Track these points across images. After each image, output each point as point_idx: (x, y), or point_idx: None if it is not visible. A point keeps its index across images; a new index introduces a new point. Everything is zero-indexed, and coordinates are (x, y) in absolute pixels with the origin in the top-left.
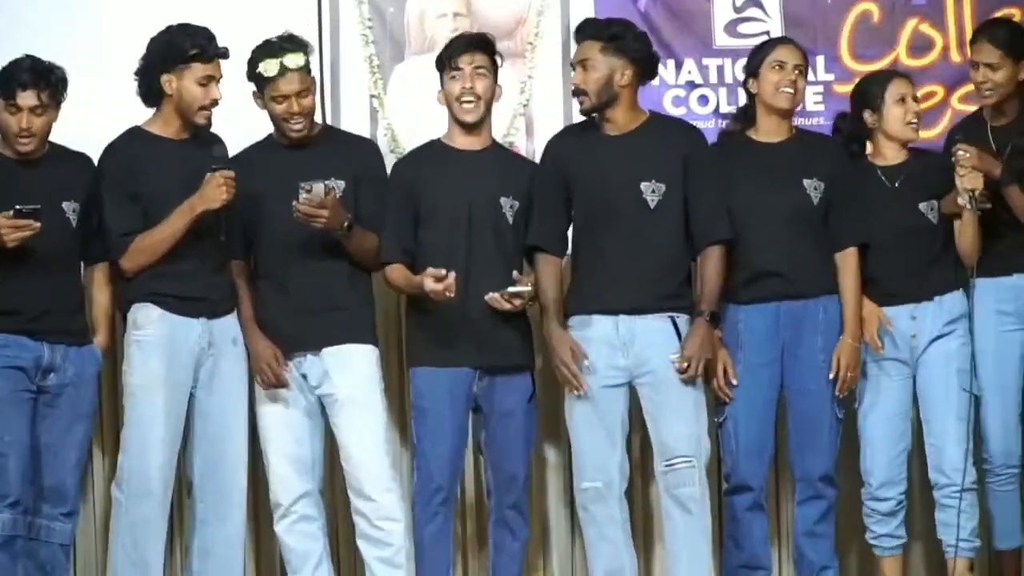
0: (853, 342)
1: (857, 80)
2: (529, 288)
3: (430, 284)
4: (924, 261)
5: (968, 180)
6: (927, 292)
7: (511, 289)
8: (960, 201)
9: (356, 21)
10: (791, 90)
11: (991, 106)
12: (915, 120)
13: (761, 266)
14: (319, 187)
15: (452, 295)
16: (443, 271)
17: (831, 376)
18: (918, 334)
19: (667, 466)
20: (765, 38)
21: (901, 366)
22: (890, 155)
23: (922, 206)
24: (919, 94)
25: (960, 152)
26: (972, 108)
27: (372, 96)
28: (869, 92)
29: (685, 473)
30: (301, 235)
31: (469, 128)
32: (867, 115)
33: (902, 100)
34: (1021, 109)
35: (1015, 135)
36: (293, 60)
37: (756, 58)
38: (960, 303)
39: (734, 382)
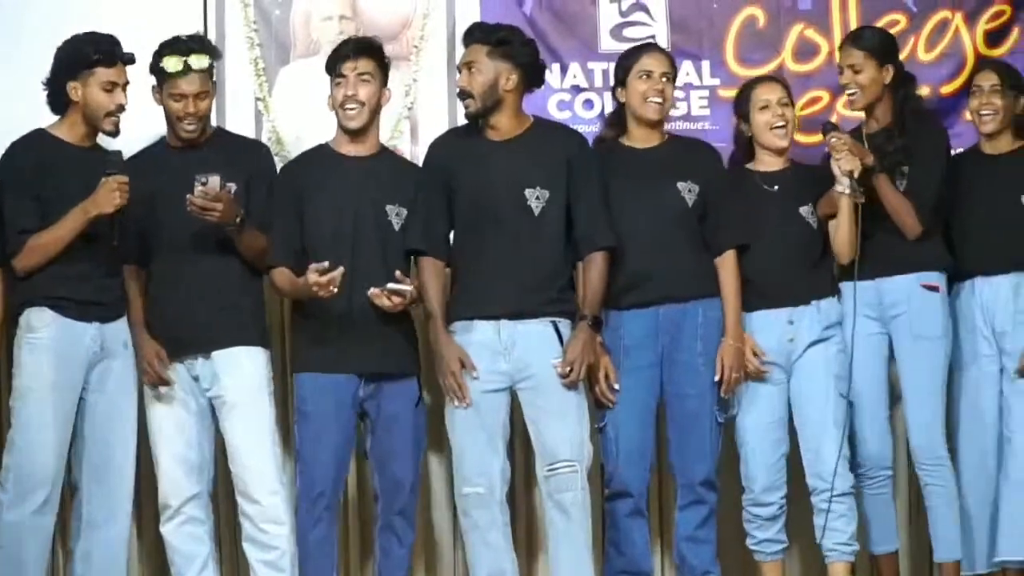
0: (736, 344)
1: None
2: (411, 288)
3: (314, 277)
4: (803, 265)
5: (845, 162)
6: (805, 297)
7: (391, 285)
8: (838, 188)
9: (241, 24)
10: (659, 100)
11: (860, 109)
12: (781, 124)
13: (639, 271)
14: (215, 180)
15: (336, 290)
16: (326, 264)
17: (715, 378)
18: (795, 338)
19: (549, 471)
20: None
21: (778, 371)
22: (768, 162)
23: (802, 210)
24: (805, 99)
25: (834, 139)
26: (858, 114)
27: (257, 99)
28: (739, 100)
29: (567, 478)
30: (193, 236)
31: (355, 134)
32: (742, 124)
33: (765, 107)
34: (893, 113)
35: (883, 143)
36: (198, 61)
37: (623, 67)
38: (837, 309)
39: (616, 387)
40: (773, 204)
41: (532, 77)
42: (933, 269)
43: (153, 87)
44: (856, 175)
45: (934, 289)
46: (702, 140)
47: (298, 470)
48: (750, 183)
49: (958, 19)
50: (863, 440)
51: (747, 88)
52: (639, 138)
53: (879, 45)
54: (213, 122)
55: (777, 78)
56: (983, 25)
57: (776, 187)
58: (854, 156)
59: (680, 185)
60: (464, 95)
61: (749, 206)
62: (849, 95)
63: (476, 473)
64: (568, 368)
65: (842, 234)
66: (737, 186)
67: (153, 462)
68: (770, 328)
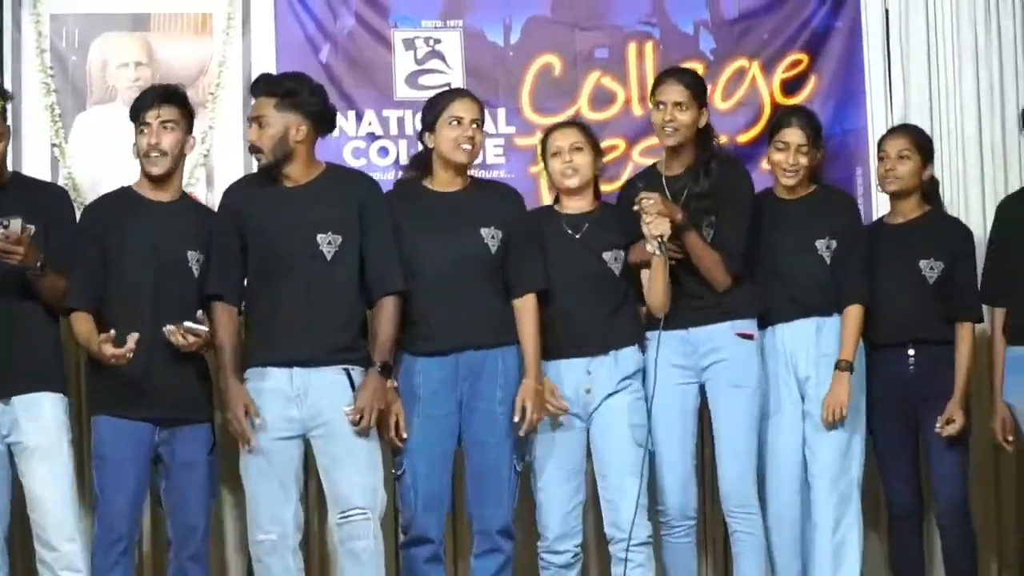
0: (535, 384)
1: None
2: (207, 329)
3: (108, 349)
4: (603, 313)
5: (655, 226)
6: (604, 346)
7: (187, 324)
8: (648, 248)
9: (37, 69)
10: (469, 146)
11: (671, 149)
12: (570, 171)
13: (438, 317)
14: (16, 223)
15: (131, 356)
16: (113, 334)
17: (515, 419)
18: (593, 388)
19: (342, 518)
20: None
21: (575, 420)
22: (574, 204)
23: (606, 255)
24: (602, 147)
25: (644, 199)
26: (653, 161)
27: (53, 144)
28: (541, 146)
29: (360, 525)
30: None
31: (157, 180)
32: (543, 167)
33: (556, 153)
34: (695, 157)
35: (689, 182)
36: None
37: (433, 112)
38: (637, 358)
39: (404, 435)
40: (576, 249)
41: (323, 124)
42: (746, 316)
43: None
44: (666, 237)
45: (748, 337)
46: (505, 184)
47: (97, 515)
48: (554, 225)
49: (755, 68)
50: (667, 490)
51: (545, 134)
52: (443, 182)
53: (701, 86)
54: (9, 167)
55: (576, 122)
56: (780, 74)
57: (579, 233)
58: (664, 218)
59: (483, 231)
60: (254, 149)
61: (550, 250)
62: (668, 131)
63: (269, 520)
64: (358, 415)
65: (655, 290)
66: (540, 229)
67: None
68: (568, 377)
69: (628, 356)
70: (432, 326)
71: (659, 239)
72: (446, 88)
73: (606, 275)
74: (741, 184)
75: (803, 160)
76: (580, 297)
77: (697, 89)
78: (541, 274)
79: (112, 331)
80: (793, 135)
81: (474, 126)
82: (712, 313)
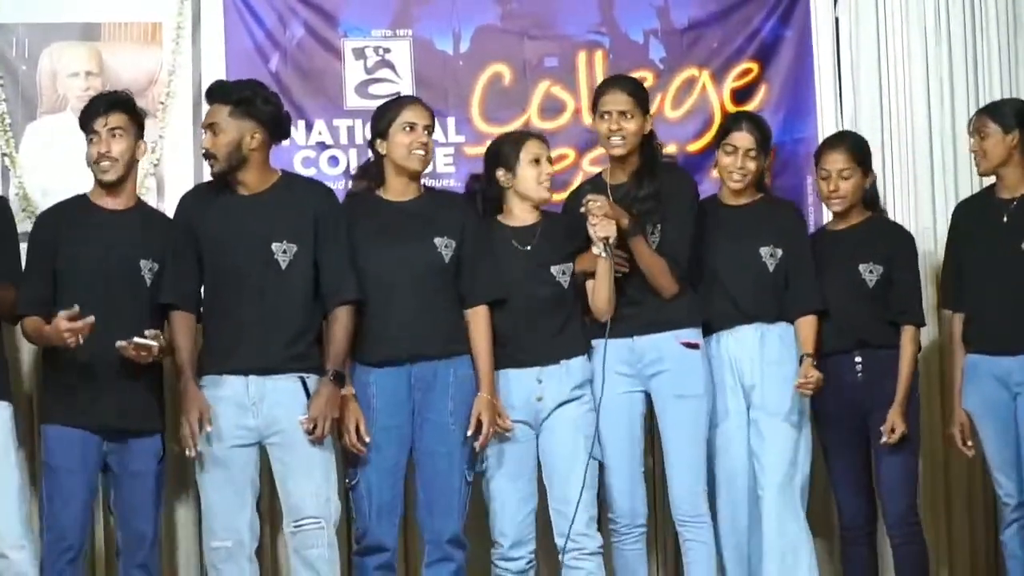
0: (490, 397)
1: (490, 141)
2: (156, 343)
3: (64, 324)
4: (554, 325)
5: (601, 228)
6: (554, 356)
7: (137, 340)
8: (595, 251)
9: None
10: (423, 152)
11: (616, 158)
12: (547, 181)
13: (392, 327)
14: None
15: (83, 335)
16: (76, 309)
17: (469, 433)
18: (544, 397)
19: (296, 527)
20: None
21: (526, 428)
22: (521, 215)
23: (554, 269)
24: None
25: (590, 202)
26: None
27: (3, 154)
28: (503, 151)
29: (314, 534)
30: None
31: (109, 188)
32: (500, 174)
33: (536, 161)
34: (640, 164)
35: (633, 185)
36: None
37: (384, 118)
38: (586, 368)
39: (367, 439)
40: (525, 262)
41: (277, 131)
42: (690, 325)
43: None
44: (612, 241)
45: (693, 347)
46: (458, 193)
47: (45, 523)
48: (503, 239)
49: (705, 77)
50: (616, 497)
51: (515, 141)
52: (397, 191)
53: (644, 94)
54: None
55: (540, 135)
56: (730, 83)
57: (528, 246)
58: (611, 221)
59: (438, 241)
60: (208, 156)
61: (501, 263)
62: (615, 141)
63: (224, 527)
64: (312, 424)
65: (600, 295)
66: (491, 241)
67: None
68: (518, 386)
69: (578, 365)
70: (385, 336)
71: (605, 241)
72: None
73: (557, 290)
74: (685, 190)
75: (751, 165)
76: (531, 311)
77: (641, 96)
78: (494, 285)
79: (75, 307)
80: (742, 139)
81: (426, 132)
82: (655, 322)
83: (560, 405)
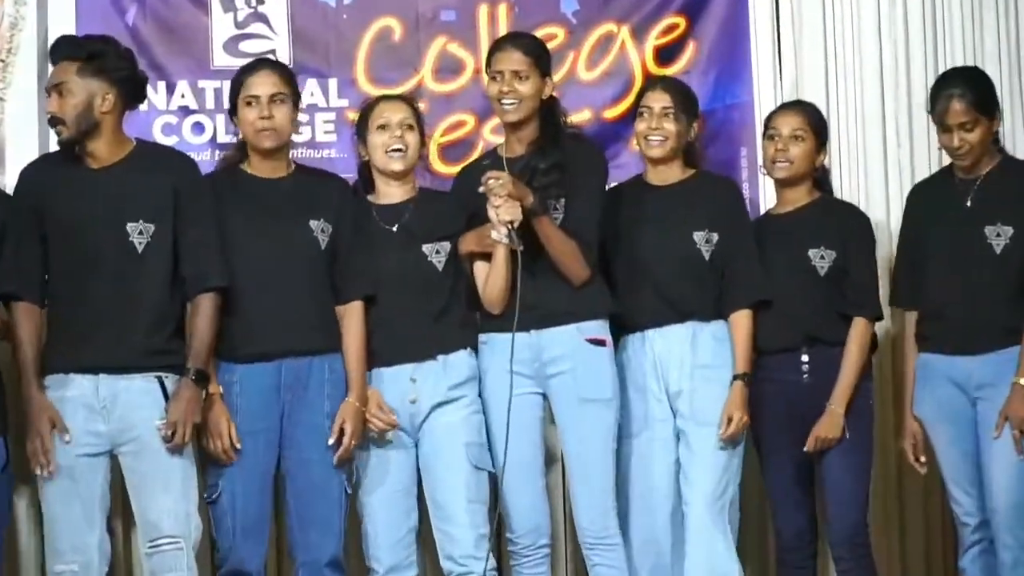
0: (356, 403)
1: None
2: None
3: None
4: (427, 314)
5: (504, 211)
6: (429, 350)
7: None
8: (495, 235)
9: None
10: (268, 126)
11: (511, 127)
12: (398, 150)
13: (258, 318)
14: None
15: None
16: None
17: (331, 441)
18: (418, 399)
19: (151, 547)
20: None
21: (402, 435)
22: (387, 192)
23: (425, 248)
24: (447, 123)
25: (492, 180)
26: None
27: None
28: (359, 121)
29: (171, 556)
30: None
31: None
32: (360, 148)
33: (383, 127)
34: (539, 134)
35: (533, 158)
36: None
37: (234, 91)
38: (469, 364)
39: (238, 445)
40: (392, 245)
41: (132, 93)
42: (595, 317)
43: None
44: (517, 224)
45: (600, 343)
46: (330, 172)
47: None
48: (371, 220)
49: (624, 33)
50: (513, 514)
51: (368, 106)
52: (262, 168)
53: (543, 53)
54: None
55: (405, 97)
56: (653, 41)
57: (396, 226)
58: (515, 203)
59: (313, 223)
60: (55, 121)
61: (372, 248)
62: (507, 105)
63: (70, 548)
64: (171, 431)
65: (496, 284)
66: (362, 225)
67: None
68: (391, 386)
69: (458, 361)
70: (252, 329)
71: (509, 225)
72: (272, 55)
73: (427, 271)
74: (593, 163)
75: (669, 126)
76: (399, 298)
77: (538, 55)
78: (367, 278)
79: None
80: (655, 99)
81: (277, 102)
82: (554, 314)
83: (436, 407)
